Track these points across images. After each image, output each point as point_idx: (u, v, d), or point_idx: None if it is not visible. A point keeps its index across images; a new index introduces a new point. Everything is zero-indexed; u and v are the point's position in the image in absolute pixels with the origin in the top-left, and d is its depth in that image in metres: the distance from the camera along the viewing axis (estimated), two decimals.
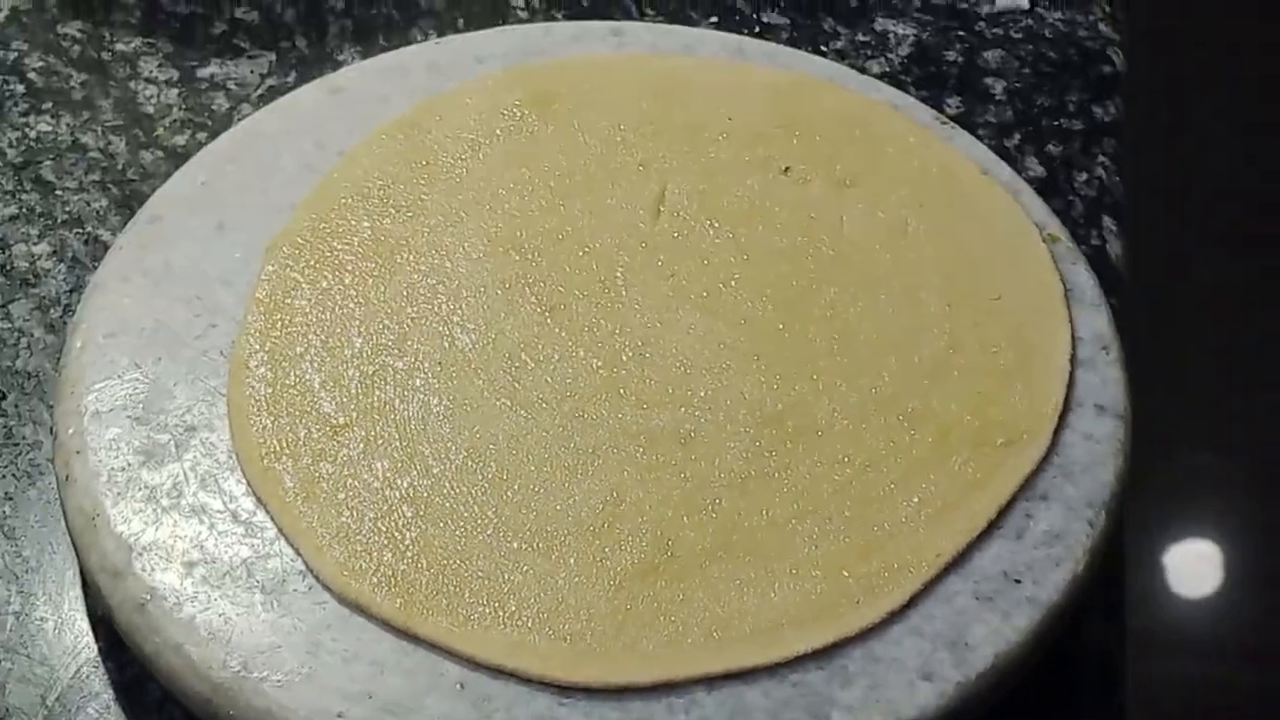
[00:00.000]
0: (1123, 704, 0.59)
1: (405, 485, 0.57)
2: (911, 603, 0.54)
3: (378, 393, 0.59)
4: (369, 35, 0.79)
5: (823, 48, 0.79)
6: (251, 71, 0.77)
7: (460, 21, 0.80)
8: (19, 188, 0.72)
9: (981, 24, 0.81)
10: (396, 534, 0.55)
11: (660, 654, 0.53)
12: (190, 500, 0.57)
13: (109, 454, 0.58)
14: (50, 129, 0.75)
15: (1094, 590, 0.57)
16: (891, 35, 0.80)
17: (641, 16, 0.81)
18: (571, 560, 0.55)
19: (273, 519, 0.56)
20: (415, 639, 0.53)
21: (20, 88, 0.77)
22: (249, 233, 0.65)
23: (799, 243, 0.65)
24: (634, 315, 0.62)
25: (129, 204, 0.71)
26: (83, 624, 0.58)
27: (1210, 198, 1.75)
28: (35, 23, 0.79)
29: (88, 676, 0.57)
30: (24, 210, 0.71)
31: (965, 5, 0.82)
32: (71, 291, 0.68)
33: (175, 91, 0.76)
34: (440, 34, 0.75)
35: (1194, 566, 1.54)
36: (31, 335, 0.67)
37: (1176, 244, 1.63)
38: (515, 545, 0.55)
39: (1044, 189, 0.71)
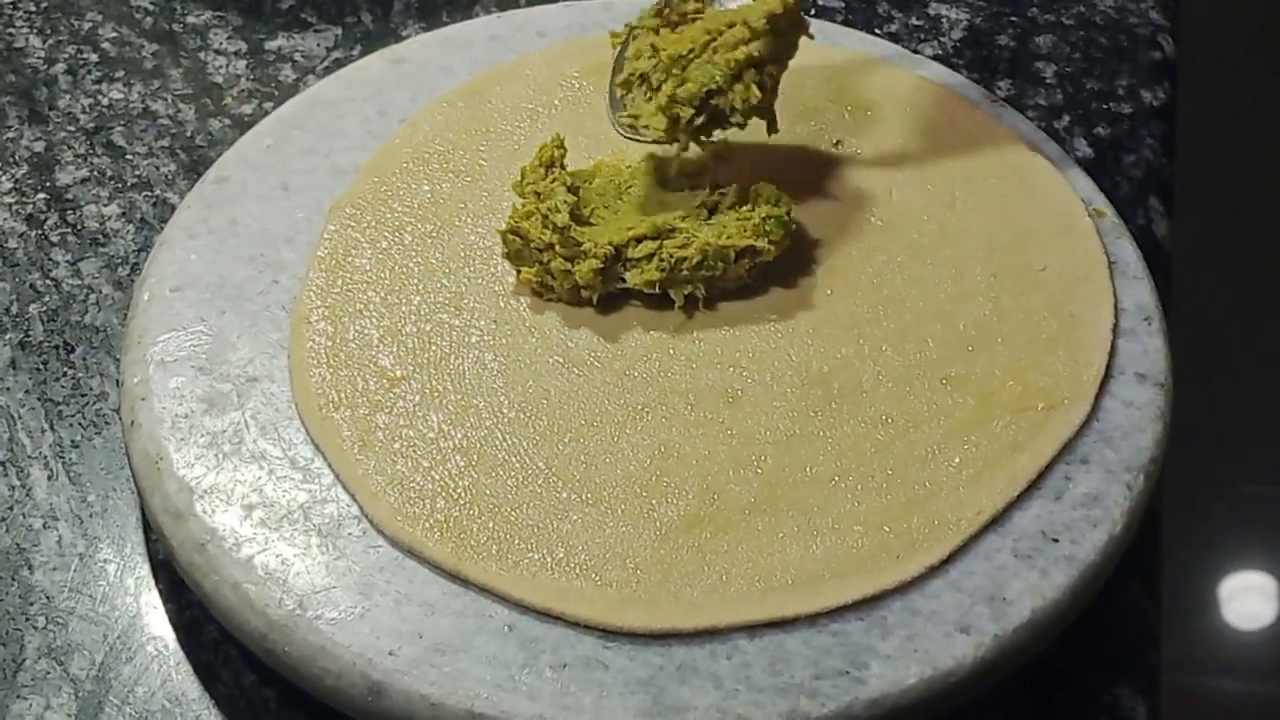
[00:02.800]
0: (1156, 667, 0.59)
1: (459, 436, 0.58)
2: (951, 558, 0.55)
3: (434, 348, 0.61)
4: (433, 11, 0.81)
5: (876, 31, 0.80)
6: (318, 45, 0.79)
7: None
8: (90, 151, 0.74)
9: (1034, 9, 0.82)
10: (449, 482, 0.57)
11: (703, 601, 0.54)
12: (250, 447, 0.58)
13: (173, 401, 0.60)
14: (122, 96, 0.77)
15: (1130, 556, 0.58)
16: (945, 19, 0.81)
17: None
18: (619, 510, 0.56)
19: (330, 466, 0.58)
20: (465, 582, 0.55)
21: (94, 56, 0.79)
22: (312, 194, 0.67)
23: (848, 213, 0.66)
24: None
25: (196, 169, 0.73)
26: (144, 568, 0.60)
27: (1258, 184, 1.76)
28: None
29: (147, 617, 0.59)
30: (95, 173, 0.73)
31: None
32: (139, 251, 0.70)
33: (243, 63, 0.78)
34: (502, 10, 0.77)
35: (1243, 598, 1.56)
36: (100, 292, 0.69)
37: (1222, 227, 1.64)
38: (565, 495, 0.57)
39: (1092, 169, 0.72)
